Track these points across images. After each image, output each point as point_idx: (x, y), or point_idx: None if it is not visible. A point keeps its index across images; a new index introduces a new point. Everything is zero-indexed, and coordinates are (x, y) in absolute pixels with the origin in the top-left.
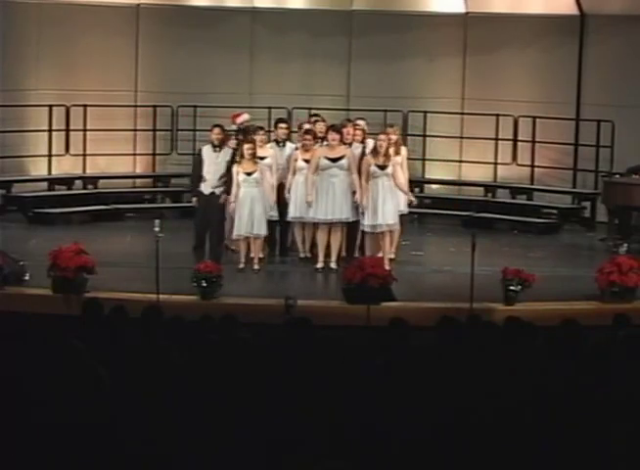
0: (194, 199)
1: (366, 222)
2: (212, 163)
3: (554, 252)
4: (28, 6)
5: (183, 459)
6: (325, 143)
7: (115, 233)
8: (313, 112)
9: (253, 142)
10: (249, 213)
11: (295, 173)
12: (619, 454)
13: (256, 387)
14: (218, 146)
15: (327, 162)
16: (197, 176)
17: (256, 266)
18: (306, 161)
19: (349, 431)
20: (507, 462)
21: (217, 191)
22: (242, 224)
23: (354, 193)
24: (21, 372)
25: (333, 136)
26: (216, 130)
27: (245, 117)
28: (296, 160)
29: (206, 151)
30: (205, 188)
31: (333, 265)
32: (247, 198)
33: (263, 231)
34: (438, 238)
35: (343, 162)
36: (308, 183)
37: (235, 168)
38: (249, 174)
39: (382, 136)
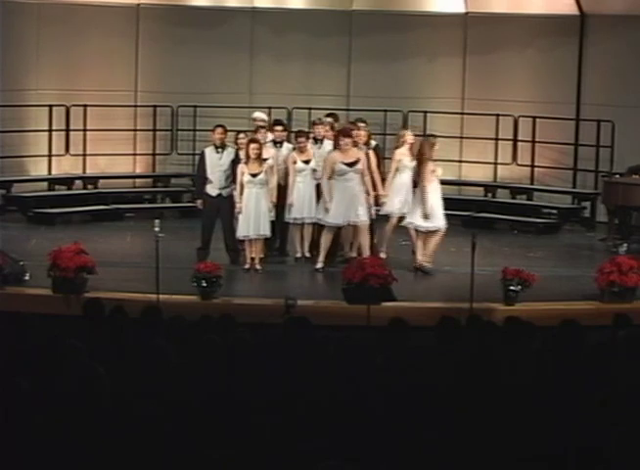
0: (198, 201)
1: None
2: (216, 164)
3: (554, 252)
4: (28, 6)
5: (182, 459)
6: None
7: (115, 233)
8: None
9: (259, 142)
10: (254, 215)
11: (294, 175)
12: (620, 454)
13: (256, 387)
14: (221, 147)
15: (344, 167)
16: (200, 178)
17: (259, 266)
18: (305, 162)
19: (349, 430)
20: (508, 461)
21: (224, 193)
22: (247, 225)
23: (368, 193)
24: (21, 372)
25: (345, 140)
26: (219, 130)
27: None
28: (295, 162)
29: (209, 152)
30: (212, 190)
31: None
32: (251, 199)
33: (267, 232)
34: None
35: (359, 166)
36: (325, 188)
37: (240, 169)
38: (254, 176)
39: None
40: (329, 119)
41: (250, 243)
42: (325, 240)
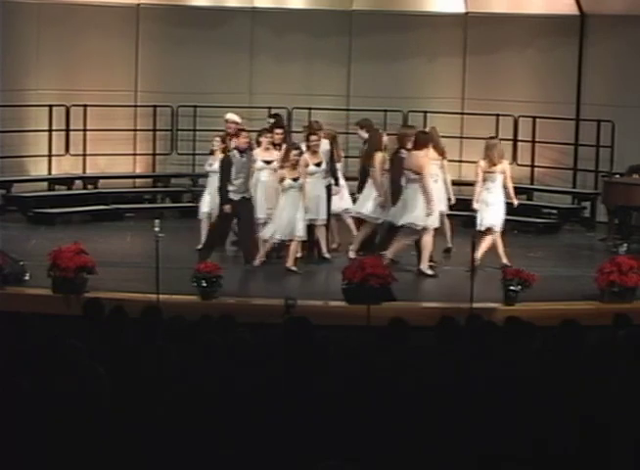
0: (227, 206)
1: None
2: (242, 168)
3: (554, 252)
4: (28, 6)
5: (182, 459)
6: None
7: (115, 233)
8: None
9: (300, 148)
10: (290, 218)
11: (306, 178)
12: (620, 454)
13: (256, 387)
14: (244, 151)
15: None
16: (227, 183)
17: (294, 267)
18: (317, 164)
19: (349, 430)
20: (507, 461)
21: (247, 195)
22: (281, 228)
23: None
24: (21, 372)
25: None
26: (244, 134)
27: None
28: (307, 165)
29: (235, 156)
30: (235, 195)
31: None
32: (289, 202)
33: (302, 233)
34: (439, 238)
35: None
36: (430, 190)
37: (279, 174)
38: (295, 180)
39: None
40: (271, 120)
41: (271, 244)
42: (430, 242)
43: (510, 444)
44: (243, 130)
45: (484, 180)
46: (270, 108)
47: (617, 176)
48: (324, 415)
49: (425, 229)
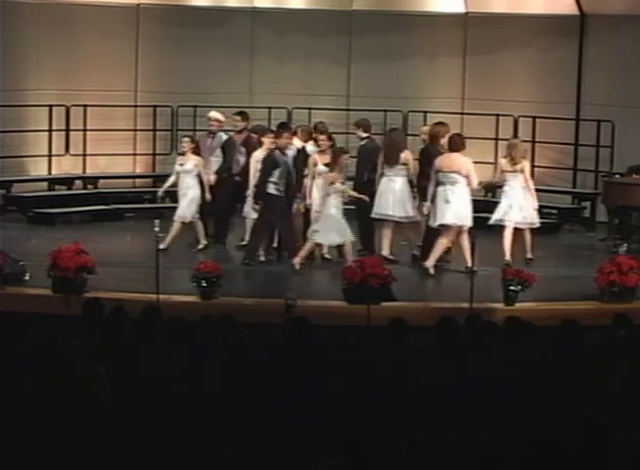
0: (257, 206)
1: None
2: (286, 167)
3: (554, 252)
4: (28, 6)
5: (182, 459)
6: None
7: (115, 233)
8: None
9: (348, 152)
10: (343, 221)
11: (314, 177)
12: (620, 454)
13: (256, 387)
14: (283, 150)
15: None
16: (265, 180)
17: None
18: (327, 164)
19: (349, 430)
20: (507, 461)
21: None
22: (336, 233)
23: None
24: (21, 372)
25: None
26: (287, 134)
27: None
28: (315, 164)
29: (278, 155)
30: (278, 192)
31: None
32: (339, 206)
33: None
34: None
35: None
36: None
37: (329, 178)
38: (342, 184)
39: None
40: (237, 117)
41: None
42: (446, 243)
43: (510, 444)
44: (285, 130)
45: (505, 179)
46: (270, 108)
47: (617, 176)
48: (324, 415)
49: (450, 228)
